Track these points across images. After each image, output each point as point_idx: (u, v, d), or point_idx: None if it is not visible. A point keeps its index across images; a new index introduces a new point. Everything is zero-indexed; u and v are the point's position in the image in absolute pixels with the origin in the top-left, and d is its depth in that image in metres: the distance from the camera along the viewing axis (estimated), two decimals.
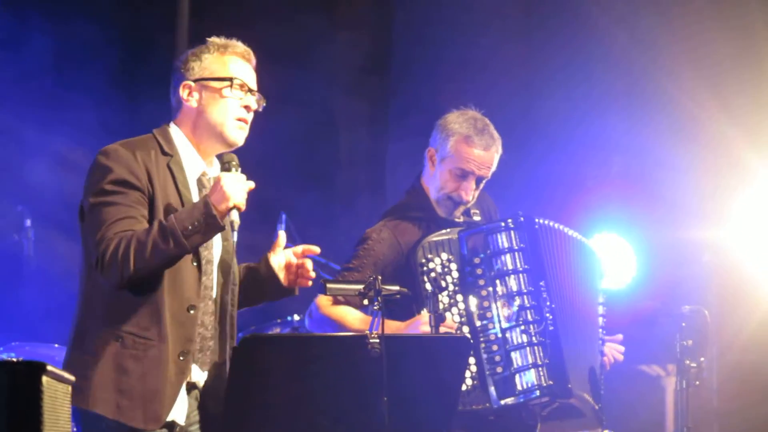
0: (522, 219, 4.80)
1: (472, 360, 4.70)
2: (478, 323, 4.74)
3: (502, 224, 4.80)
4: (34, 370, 3.34)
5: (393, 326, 4.52)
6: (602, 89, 7.56)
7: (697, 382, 5.58)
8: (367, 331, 3.82)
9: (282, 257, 4.18)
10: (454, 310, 4.76)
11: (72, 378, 3.75)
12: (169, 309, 3.94)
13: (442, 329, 4.55)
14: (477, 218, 4.99)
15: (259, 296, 4.22)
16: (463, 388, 4.66)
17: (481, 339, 4.72)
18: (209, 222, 3.86)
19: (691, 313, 5.65)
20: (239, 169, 3.99)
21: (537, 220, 4.83)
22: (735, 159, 7.33)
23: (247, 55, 4.16)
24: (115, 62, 7.30)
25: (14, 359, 3.73)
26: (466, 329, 4.73)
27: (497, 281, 4.76)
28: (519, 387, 4.68)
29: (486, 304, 4.76)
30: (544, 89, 7.77)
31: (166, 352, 3.93)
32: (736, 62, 7.37)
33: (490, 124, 4.96)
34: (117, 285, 3.88)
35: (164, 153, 4.03)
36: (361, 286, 4.02)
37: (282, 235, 4.18)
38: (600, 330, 4.93)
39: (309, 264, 4.18)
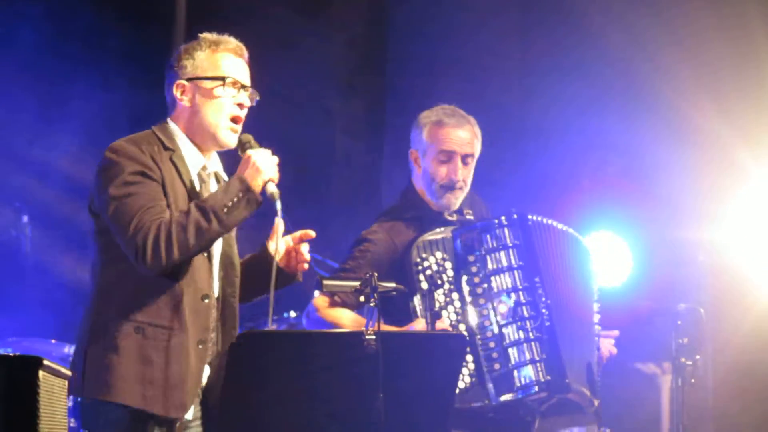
0: (515, 216, 4.81)
1: (469, 358, 4.71)
2: (474, 321, 4.75)
3: (496, 222, 4.82)
4: (31, 364, 3.35)
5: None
6: (598, 88, 7.57)
7: (693, 381, 5.58)
8: (364, 328, 3.82)
9: (281, 244, 4.20)
10: (450, 308, 4.77)
11: (69, 373, 3.76)
12: (186, 298, 3.97)
13: (438, 327, 4.56)
14: (470, 218, 5.00)
15: (257, 286, 4.22)
16: (462, 385, 4.67)
17: (478, 336, 4.73)
18: (249, 197, 3.93)
19: (686, 311, 5.65)
20: (259, 146, 4.05)
21: (530, 217, 4.84)
22: (730, 159, 7.33)
23: (239, 51, 4.15)
24: (115, 56, 7.29)
25: (11, 354, 3.75)
26: (462, 327, 4.74)
27: (492, 278, 4.77)
28: (517, 383, 4.69)
29: (482, 301, 4.76)
30: (540, 88, 7.77)
31: (186, 341, 3.96)
32: (733, 62, 7.38)
33: (459, 110, 4.99)
34: (161, 270, 3.89)
35: (166, 148, 4.05)
36: (357, 283, 4.02)
37: (279, 223, 4.20)
38: (596, 325, 4.94)
39: (305, 248, 4.19)
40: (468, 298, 4.77)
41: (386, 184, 8.09)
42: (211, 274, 4.05)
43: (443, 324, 4.68)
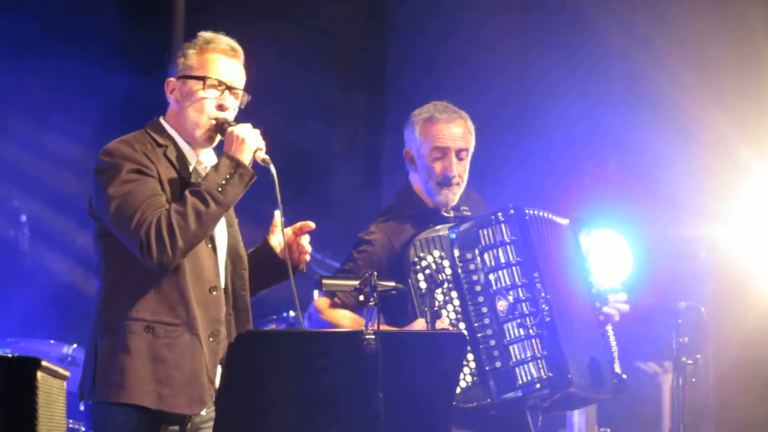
0: (512, 211, 4.80)
1: (470, 356, 4.69)
2: (473, 319, 4.73)
3: (492, 218, 4.80)
4: (29, 365, 3.35)
5: None
6: (600, 86, 7.56)
7: (694, 380, 5.56)
8: (363, 328, 3.81)
9: (281, 236, 4.20)
10: (450, 307, 4.76)
11: (67, 374, 3.75)
12: (194, 293, 3.96)
13: (438, 326, 4.55)
14: (467, 214, 4.98)
15: (267, 279, 4.24)
16: (463, 385, 4.66)
17: (478, 335, 4.72)
18: (241, 172, 3.94)
19: (687, 310, 5.63)
20: (236, 124, 4.05)
21: (527, 211, 4.83)
22: (732, 156, 7.33)
23: (231, 51, 4.13)
24: (115, 53, 7.28)
25: (9, 355, 3.73)
26: (462, 325, 4.73)
27: (491, 275, 4.76)
28: (519, 381, 4.67)
29: (481, 299, 4.75)
30: (541, 86, 7.76)
31: (197, 335, 3.96)
32: (734, 60, 7.37)
33: (451, 105, 4.98)
34: (167, 263, 3.89)
35: (159, 145, 4.05)
36: (356, 282, 4.02)
37: (278, 215, 4.19)
38: (598, 315, 4.91)
39: (305, 239, 4.19)
40: (467, 296, 4.75)
41: (387, 183, 8.08)
42: (216, 265, 4.05)
43: (443, 323, 4.67)
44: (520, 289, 4.74)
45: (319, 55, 8.20)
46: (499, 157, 7.19)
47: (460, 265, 4.78)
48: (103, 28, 7.33)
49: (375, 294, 3.94)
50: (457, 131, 4.91)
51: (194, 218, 3.88)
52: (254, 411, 3.78)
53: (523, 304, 4.72)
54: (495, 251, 4.78)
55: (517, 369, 4.69)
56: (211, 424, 4.02)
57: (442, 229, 4.83)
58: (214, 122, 4.08)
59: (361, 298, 4.00)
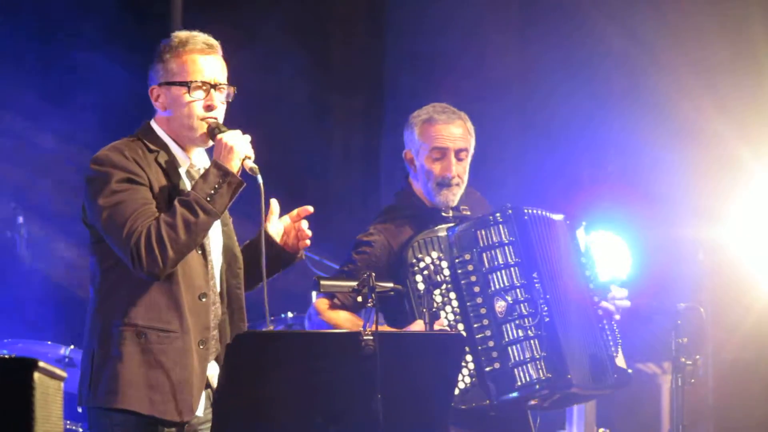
0: (510, 212, 4.79)
1: (469, 357, 4.69)
2: (472, 320, 4.73)
3: (491, 218, 4.79)
4: (26, 366, 3.33)
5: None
6: (598, 86, 7.56)
7: (693, 380, 5.56)
8: (362, 329, 3.80)
9: (279, 225, 4.21)
10: (448, 308, 4.75)
11: (64, 374, 3.74)
12: (185, 299, 3.96)
13: (437, 327, 4.54)
14: (467, 213, 4.97)
15: (267, 269, 4.18)
16: (462, 386, 4.66)
17: (477, 335, 4.71)
18: (229, 181, 3.92)
19: (686, 310, 5.63)
20: (227, 129, 4.03)
21: (526, 211, 4.82)
22: (730, 157, 7.33)
23: (208, 48, 4.09)
24: (113, 52, 7.27)
25: (6, 356, 3.72)
26: (461, 326, 4.72)
27: (489, 276, 4.75)
28: (518, 382, 4.67)
29: (479, 300, 4.74)
30: (539, 86, 7.76)
31: (189, 342, 3.96)
32: (732, 61, 7.38)
33: (450, 106, 4.97)
34: (159, 273, 3.89)
35: (150, 150, 4.04)
36: (354, 283, 4.01)
37: (274, 203, 4.19)
38: (597, 309, 4.89)
39: (304, 224, 4.19)
40: (465, 297, 4.74)
41: (386, 183, 8.07)
42: (207, 270, 4.04)
43: (441, 324, 4.66)
44: (518, 290, 4.73)
45: (316, 54, 8.18)
46: (497, 158, 7.18)
47: (459, 266, 4.77)
48: (103, 24, 7.31)
49: (373, 295, 3.93)
50: (456, 131, 4.91)
51: (184, 228, 3.87)
52: (252, 412, 3.77)
53: (522, 304, 4.72)
54: (493, 252, 4.77)
55: (516, 370, 4.68)
56: (209, 425, 4.03)
57: (440, 230, 4.82)
58: (206, 124, 4.06)
59: (359, 299, 4.00)
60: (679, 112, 7.38)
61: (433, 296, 4.69)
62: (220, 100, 4.09)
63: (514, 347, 4.69)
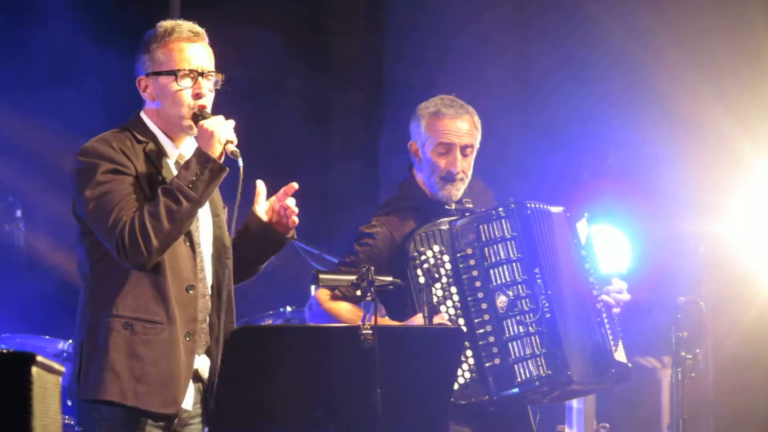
0: (513, 206, 4.77)
1: (469, 353, 4.67)
2: (473, 314, 4.71)
3: (493, 213, 4.78)
4: (24, 360, 3.32)
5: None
6: (599, 81, 7.55)
7: (693, 374, 5.55)
8: (360, 323, 3.79)
9: (266, 205, 4.18)
10: (449, 302, 4.73)
11: (62, 369, 3.73)
12: (172, 291, 3.95)
13: (436, 321, 4.53)
14: (470, 206, 4.95)
15: (256, 254, 4.21)
16: (462, 381, 4.65)
17: (478, 331, 4.69)
18: (211, 167, 3.90)
19: (686, 304, 5.62)
20: (211, 114, 4.01)
21: (529, 205, 4.80)
22: (731, 151, 7.32)
23: (194, 36, 4.07)
24: (111, 48, 7.25)
25: (3, 350, 3.71)
26: (461, 321, 4.70)
27: (491, 271, 4.73)
28: (518, 378, 4.66)
29: (480, 294, 4.73)
30: (539, 81, 7.75)
31: (175, 334, 3.94)
32: (734, 55, 7.37)
33: (458, 100, 4.95)
34: (144, 263, 3.88)
35: (139, 141, 4.03)
36: (353, 277, 4.00)
37: (261, 184, 4.17)
38: (596, 302, 4.88)
39: (291, 201, 4.15)
40: (466, 292, 4.73)
41: (384, 177, 8.06)
42: (195, 263, 4.02)
43: (442, 318, 4.65)
44: (520, 286, 4.72)
45: (315, 49, 8.17)
46: (497, 152, 7.16)
47: (461, 260, 4.75)
48: (103, 14, 7.31)
49: (372, 289, 3.92)
50: (463, 127, 4.88)
51: (167, 217, 3.86)
52: (251, 406, 3.77)
53: (523, 300, 4.70)
54: (495, 247, 4.75)
55: (516, 366, 4.67)
56: (199, 419, 4.04)
57: (442, 224, 4.80)
58: (194, 112, 4.04)
59: (358, 293, 4.00)
60: (679, 107, 7.37)
61: (434, 290, 4.68)
62: (208, 87, 4.06)
63: (514, 343, 4.68)
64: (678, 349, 5.53)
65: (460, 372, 4.63)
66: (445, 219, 4.82)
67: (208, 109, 4.05)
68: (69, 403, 4.16)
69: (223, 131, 3.94)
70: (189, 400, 4.01)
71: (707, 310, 5.79)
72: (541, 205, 4.85)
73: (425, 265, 4.70)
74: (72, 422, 5.87)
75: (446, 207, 4.89)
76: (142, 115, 4.11)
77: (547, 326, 4.68)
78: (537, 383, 4.66)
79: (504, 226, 4.76)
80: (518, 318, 4.69)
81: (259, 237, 4.16)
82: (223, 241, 4.11)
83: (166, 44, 4.04)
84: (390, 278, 4.10)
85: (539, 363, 4.66)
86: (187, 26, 4.08)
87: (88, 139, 4.04)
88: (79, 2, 7.29)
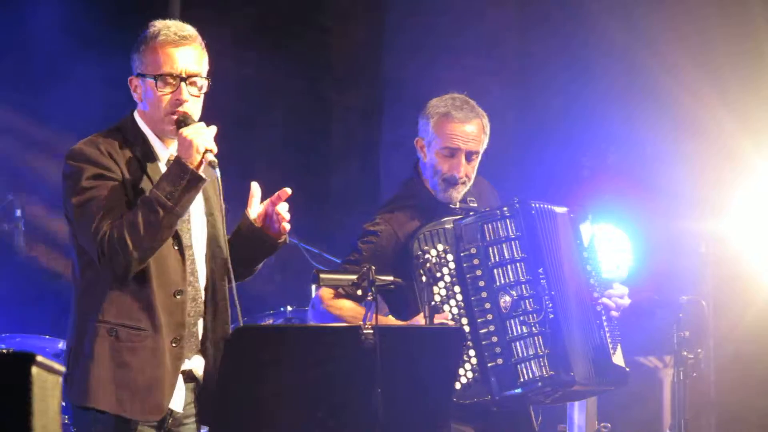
0: (517, 206, 4.76)
1: (472, 352, 4.66)
2: (476, 314, 4.70)
3: (498, 212, 4.76)
4: (24, 360, 3.30)
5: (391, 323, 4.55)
6: (599, 79, 7.55)
7: (695, 374, 5.54)
8: (361, 323, 3.78)
9: (260, 208, 4.15)
10: (452, 301, 4.72)
11: (62, 369, 3.72)
12: (158, 297, 3.92)
13: (438, 320, 4.51)
14: (474, 205, 4.94)
15: (251, 256, 4.19)
16: (464, 381, 4.64)
17: (481, 330, 4.68)
18: (189, 178, 3.85)
19: (688, 304, 5.62)
20: (195, 122, 3.96)
21: (533, 205, 4.78)
22: (732, 150, 7.32)
23: (180, 40, 4.01)
24: (110, 46, 7.25)
25: (3, 350, 3.71)
26: (464, 321, 4.69)
27: (494, 271, 4.72)
28: (521, 378, 4.64)
29: (484, 294, 4.71)
30: (539, 79, 7.75)
31: (160, 341, 3.92)
32: (735, 54, 7.37)
33: (470, 101, 4.92)
34: (124, 273, 3.86)
35: (128, 143, 4.00)
36: (354, 277, 3.99)
37: (255, 186, 4.15)
38: (596, 305, 4.87)
39: (282, 207, 4.11)
40: (470, 291, 4.71)
41: (385, 177, 8.06)
42: (184, 267, 4.00)
43: (445, 317, 4.63)
44: (523, 286, 4.70)
45: (315, 47, 8.17)
46: (498, 150, 7.16)
47: (464, 259, 4.74)
48: (101, 16, 7.30)
49: (373, 289, 3.91)
50: (471, 131, 4.85)
51: (145, 228, 3.83)
52: (252, 406, 3.76)
53: (527, 300, 4.69)
54: (499, 246, 4.74)
55: (519, 366, 4.65)
56: (194, 419, 4.03)
57: (447, 222, 4.78)
58: (174, 117, 4.00)
59: (359, 292, 3.99)
60: (680, 106, 7.37)
61: (438, 289, 4.67)
62: (192, 92, 4.01)
63: (517, 343, 4.66)
64: (680, 349, 5.53)
65: (462, 372, 4.62)
66: (450, 218, 4.80)
67: (196, 113, 4.01)
68: (63, 403, 4.16)
69: (201, 140, 3.89)
70: (180, 401, 4.00)
71: (709, 309, 5.79)
72: (546, 206, 4.83)
73: (429, 264, 4.68)
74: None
75: (451, 206, 4.88)
76: (135, 115, 4.08)
77: (551, 327, 4.67)
78: (540, 384, 4.64)
79: (508, 226, 4.74)
80: (522, 318, 4.68)
81: (250, 240, 4.14)
82: (217, 241, 4.08)
83: (152, 46, 4.00)
84: (391, 278, 4.09)
85: (542, 363, 4.65)
86: (175, 28, 4.02)
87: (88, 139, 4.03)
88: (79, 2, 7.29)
